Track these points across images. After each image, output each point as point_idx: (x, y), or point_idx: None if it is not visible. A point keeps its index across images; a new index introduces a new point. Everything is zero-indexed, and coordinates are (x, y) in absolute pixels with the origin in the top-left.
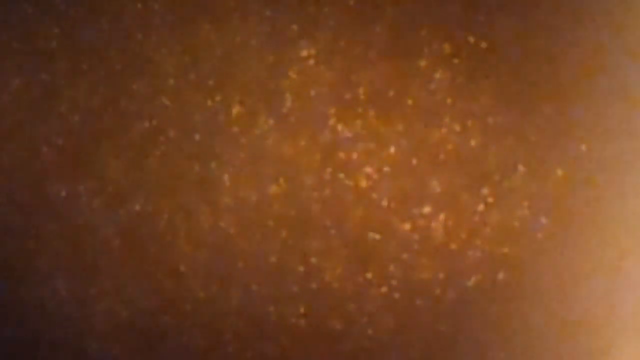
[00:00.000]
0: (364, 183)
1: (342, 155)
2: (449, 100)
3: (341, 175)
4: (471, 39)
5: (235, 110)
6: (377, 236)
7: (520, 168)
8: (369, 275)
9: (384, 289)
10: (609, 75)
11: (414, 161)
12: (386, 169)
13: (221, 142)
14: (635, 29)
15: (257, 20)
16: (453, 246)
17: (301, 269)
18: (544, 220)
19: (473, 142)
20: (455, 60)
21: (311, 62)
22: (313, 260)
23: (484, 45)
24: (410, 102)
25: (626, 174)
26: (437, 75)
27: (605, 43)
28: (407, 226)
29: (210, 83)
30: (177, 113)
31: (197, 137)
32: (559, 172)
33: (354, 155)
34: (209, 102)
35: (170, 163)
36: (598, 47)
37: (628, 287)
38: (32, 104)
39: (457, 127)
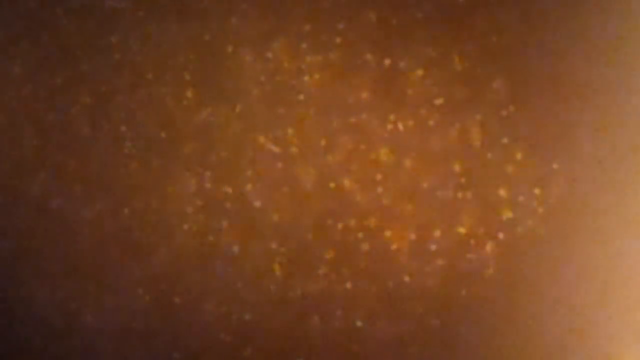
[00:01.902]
0: (348, 185)
1: (326, 155)
2: (444, 101)
3: (324, 177)
4: (470, 39)
5: (208, 109)
6: (366, 241)
7: (522, 170)
8: (357, 282)
9: (374, 295)
10: (610, 75)
11: (407, 164)
12: (375, 170)
13: (195, 142)
14: (636, 29)
15: (239, 16)
16: (449, 249)
17: (278, 274)
18: (544, 222)
19: (470, 145)
20: (454, 60)
21: (288, 60)
22: (294, 265)
23: (484, 45)
24: (402, 102)
25: (626, 173)
26: (432, 75)
27: (606, 43)
28: (402, 229)
29: (183, 81)
30: (149, 112)
31: (163, 134)
32: (562, 174)
33: (338, 157)
34: (182, 101)
35: (142, 163)
36: (599, 47)
37: (629, 289)
38: (6, 106)
39: (455, 130)
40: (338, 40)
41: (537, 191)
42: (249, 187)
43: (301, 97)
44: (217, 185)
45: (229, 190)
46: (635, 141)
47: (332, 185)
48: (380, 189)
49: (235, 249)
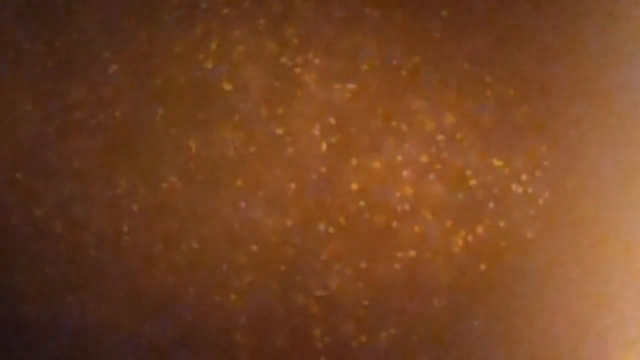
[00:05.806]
0: (290, 192)
1: (309, 157)
2: (444, 103)
3: (267, 182)
4: (470, 39)
5: (161, 112)
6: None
7: (522, 173)
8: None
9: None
10: (610, 75)
11: (405, 174)
12: (368, 174)
13: (174, 151)
14: (636, 28)
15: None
16: (448, 250)
17: (249, 280)
18: (544, 224)
19: (470, 150)
20: (453, 59)
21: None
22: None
23: (482, 45)
24: (396, 107)
25: (628, 177)
26: (431, 75)
27: (606, 43)
28: (404, 230)
29: (146, 86)
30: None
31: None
32: (565, 178)
33: (282, 160)
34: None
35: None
36: (598, 47)
37: (629, 290)
38: None
39: (457, 135)
40: (272, 36)
41: (530, 191)
42: (225, 193)
43: (232, 91)
44: (196, 191)
45: (202, 198)
46: (636, 142)
47: (272, 188)
48: (372, 192)
49: (185, 253)
